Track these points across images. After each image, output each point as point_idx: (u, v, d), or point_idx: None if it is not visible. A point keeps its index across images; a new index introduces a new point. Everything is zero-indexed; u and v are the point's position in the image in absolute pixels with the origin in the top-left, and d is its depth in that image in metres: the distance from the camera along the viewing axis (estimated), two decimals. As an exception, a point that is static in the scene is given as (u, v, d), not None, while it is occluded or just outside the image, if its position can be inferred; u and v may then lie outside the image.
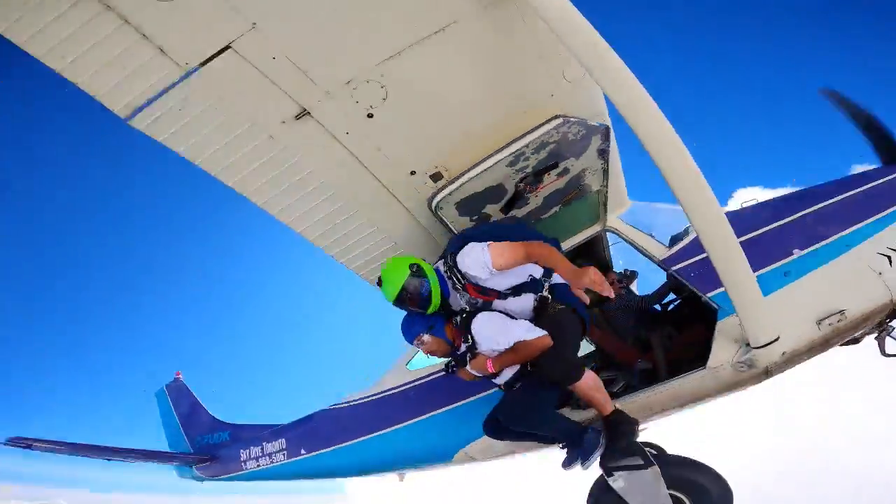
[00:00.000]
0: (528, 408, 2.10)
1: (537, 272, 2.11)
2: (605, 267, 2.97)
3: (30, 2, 1.24)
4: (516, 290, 2.10)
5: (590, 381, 2.02)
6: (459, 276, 2.04)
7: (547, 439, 2.20)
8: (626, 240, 2.43)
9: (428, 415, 2.83)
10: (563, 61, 1.71)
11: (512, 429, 2.18)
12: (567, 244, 2.49)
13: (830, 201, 2.37)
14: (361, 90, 1.62)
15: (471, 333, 2.11)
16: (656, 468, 1.87)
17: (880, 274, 2.14)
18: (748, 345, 2.04)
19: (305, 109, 1.60)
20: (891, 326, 2.36)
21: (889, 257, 2.21)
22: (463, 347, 2.17)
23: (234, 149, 1.67)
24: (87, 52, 1.37)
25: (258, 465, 3.89)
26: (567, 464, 2.09)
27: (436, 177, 1.92)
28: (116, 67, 1.38)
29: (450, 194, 1.94)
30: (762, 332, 1.97)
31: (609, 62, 1.52)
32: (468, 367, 2.13)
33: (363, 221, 2.11)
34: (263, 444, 3.87)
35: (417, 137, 1.81)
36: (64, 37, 1.31)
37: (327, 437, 3.28)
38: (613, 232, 2.48)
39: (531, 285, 2.11)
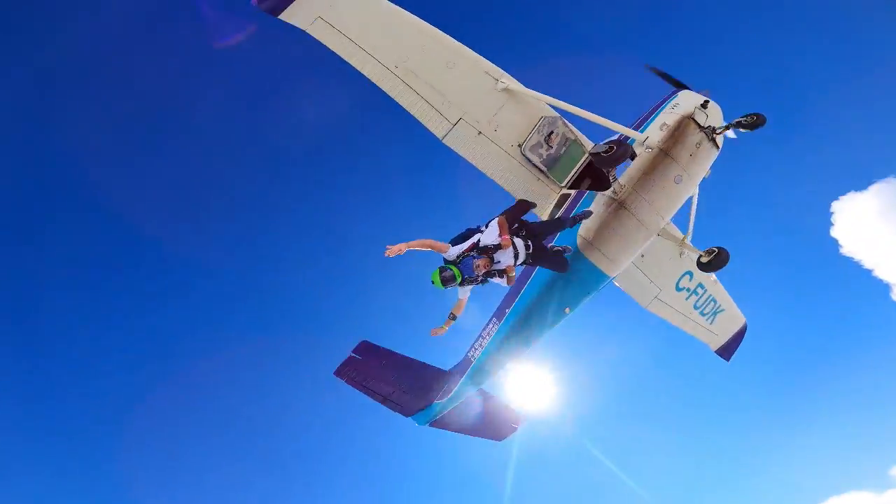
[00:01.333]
0: (548, 231, 5.71)
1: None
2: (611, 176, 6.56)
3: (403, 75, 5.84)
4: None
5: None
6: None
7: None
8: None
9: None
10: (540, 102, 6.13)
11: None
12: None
13: (655, 105, 6.28)
14: (491, 125, 6.01)
15: (487, 246, 5.15)
16: None
17: (672, 111, 5.86)
18: (641, 143, 5.68)
19: (482, 132, 5.98)
20: (711, 128, 5.84)
21: (674, 108, 5.94)
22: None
23: (475, 147, 5.99)
24: (420, 99, 5.78)
25: (482, 346, 6.36)
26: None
27: (519, 145, 6.07)
28: (426, 107, 5.83)
29: (525, 147, 6.01)
30: (640, 137, 5.67)
31: (538, 96, 5.95)
32: (502, 246, 5.12)
33: (502, 164, 6.13)
34: (480, 332, 6.49)
35: (511, 133, 6.08)
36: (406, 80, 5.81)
37: (516, 290, 6.17)
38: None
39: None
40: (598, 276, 6.06)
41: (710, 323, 7.77)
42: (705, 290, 7.35)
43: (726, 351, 8.14)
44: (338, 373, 6.64)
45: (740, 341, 8.15)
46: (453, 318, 5.49)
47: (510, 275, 5.30)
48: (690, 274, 7.20)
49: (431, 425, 7.30)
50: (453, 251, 5.19)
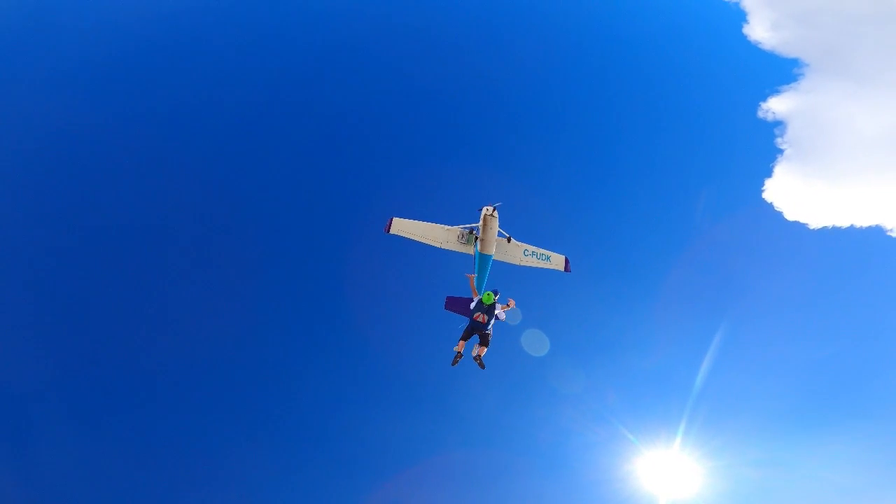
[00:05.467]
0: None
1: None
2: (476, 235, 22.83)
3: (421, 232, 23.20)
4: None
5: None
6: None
7: None
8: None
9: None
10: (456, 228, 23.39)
11: None
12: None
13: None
14: (450, 239, 23.17)
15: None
16: None
17: (482, 212, 22.68)
18: (479, 224, 22.54)
19: (448, 242, 23.08)
20: (490, 212, 22.46)
21: (483, 211, 22.73)
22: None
23: (448, 245, 23.03)
24: (429, 240, 22.95)
25: (472, 283, 21.60)
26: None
27: (457, 240, 22.87)
28: (432, 241, 23.03)
29: (460, 240, 22.75)
30: (478, 224, 22.62)
31: (456, 227, 23.37)
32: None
33: (456, 246, 22.76)
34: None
35: (454, 239, 23.12)
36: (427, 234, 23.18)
37: (475, 266, 21.80)
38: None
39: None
40: (488, 257, 22.16)
41: (549, 261, 22.78)
42: (535, 252, 22.74)
43: (566, 269, 22.73)
44: (446, 306, 22.43)
45: (569, 264, 22.73)
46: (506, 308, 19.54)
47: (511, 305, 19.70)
48: (526, 250, 22.82)
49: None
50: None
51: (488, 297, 16.89)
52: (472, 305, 18.05)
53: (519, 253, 22.48)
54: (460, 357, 16.10)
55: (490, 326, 16.71)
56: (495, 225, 21.67)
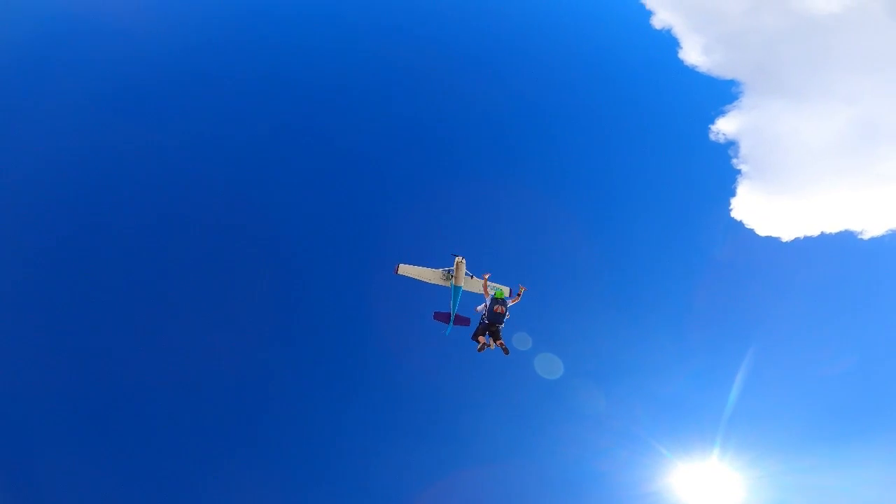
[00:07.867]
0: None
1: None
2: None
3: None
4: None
5: None
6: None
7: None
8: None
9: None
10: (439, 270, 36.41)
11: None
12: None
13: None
14: (436, 278, 36.11)
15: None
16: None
17: (455, 259, 35.63)
18: (454, 267, 35.54)
19: (434, 279, 36.04)
20: (460, 260, 35.38)
21: (455, 259, 35.61)
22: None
23: (436, 281, 35.92)
24: (426, 279, 36.18)
25: (450, 307, 34.08)
26: None
27: (442, 276, 35.74)
28: (426, 280, 36.10)
29: (444, 277, 35.61)
30: (452, 267, 35.71)
31: (440, 269, 36.55)
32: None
33: (442, 281, 35.57)
34: (449, 304, 34.35)
35: (439, 276, 36.00)
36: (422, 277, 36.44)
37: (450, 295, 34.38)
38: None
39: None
40: (458, 288, 34.48)
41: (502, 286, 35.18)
42: (490, 285, 35.27)
43: (512, 294, 35.09)
44: (434, 318, 34.89)
45: (513, 291, 35.02)
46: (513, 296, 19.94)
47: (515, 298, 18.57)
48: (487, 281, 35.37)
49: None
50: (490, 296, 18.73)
51: (500, 293, 19.76)
52: (487, 304, 20.20)
53: (479, 285, 35.11)
54: (486, 345, 18.06)
55: (503, 320, 18.80)
56: (463, 268, 34.12)
